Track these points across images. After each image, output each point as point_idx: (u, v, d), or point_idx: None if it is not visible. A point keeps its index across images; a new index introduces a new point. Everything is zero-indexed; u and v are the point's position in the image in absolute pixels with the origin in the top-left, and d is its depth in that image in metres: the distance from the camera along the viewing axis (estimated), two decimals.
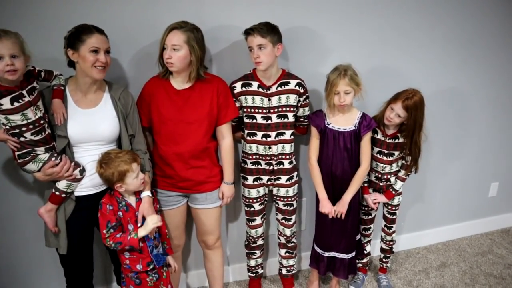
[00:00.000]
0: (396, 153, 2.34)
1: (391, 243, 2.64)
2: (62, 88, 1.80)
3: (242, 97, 2.15)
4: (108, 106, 1.89)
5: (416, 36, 2.58)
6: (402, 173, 2.39)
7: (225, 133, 2.14)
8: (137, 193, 1.93)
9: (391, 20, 2.49)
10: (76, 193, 1.87)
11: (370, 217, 2.55)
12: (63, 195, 1.83)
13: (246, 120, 2.20)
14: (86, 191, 1.88)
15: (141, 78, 2.08)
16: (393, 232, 2.60)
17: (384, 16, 2.47)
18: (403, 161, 2.39)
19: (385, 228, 2.61)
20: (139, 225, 1.88)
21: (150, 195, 1.96)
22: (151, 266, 1.92)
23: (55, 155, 1.77)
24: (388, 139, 2.32)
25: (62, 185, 1.81)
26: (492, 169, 3.18)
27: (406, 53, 2.60)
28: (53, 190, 1.82)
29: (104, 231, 1.83)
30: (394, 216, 2.55)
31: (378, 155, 2.36)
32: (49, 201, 1.83)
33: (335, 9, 2.37)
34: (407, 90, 2.18)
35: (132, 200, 1.91)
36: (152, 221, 1.86)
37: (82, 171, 1.83)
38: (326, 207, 2.26)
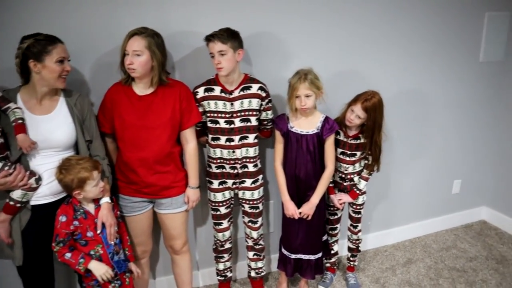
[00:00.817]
0: (358, 153, 2.40)
1: (357, 242, 2.70)
2: (21, 122, 1.74)
3: (205, 102, 2.17)
4: (63, 112, 1.88)
5: (378, 40, 2.66)
6: (365, 173, 2.45)
7: (189, 137, 2.15)
8: (96, 200, 1.92)
9: (352, 24, 2.56)
10: (33, 202, 1.84)
11: (336, 217, 2.60)
12: (18, 205, 1.79)
13: (209, 124, 2.22)
14: (43, 200, 1.85)
15: (103, 85, 2.08)
16: (359, 231, 2.66)
17: (346, 21, 2.54)
18: (366, 161, 2.45)
19: (351, 227, 2.67)
20: (98, 231, 1.87)
21: (110, 201, 1.96)
22: (112, 273, 1.91)
23: (9, 164, 1.74)
24: (350, 140, 2.37)
25: (16, 194, 1.77)
26: (455, 167, 3.28)
27: (369, 57, 2.67)
28: (7, 200, 1.79)
29: (53, 244, 1.82)
30: (359, 215, 2.61)
31: (341, 156, 2.41)
32: (3, 211, 1.79)
33: (298, 14, 2.43)
34: (366, 92, 2.25)
35: (90, 207, 1.90)
36: (98, 272, 1.86)
37: (38, 179, 1.81)
38: (289, 209, 2.30)
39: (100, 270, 1.86)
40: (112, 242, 1.92)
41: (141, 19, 2.06)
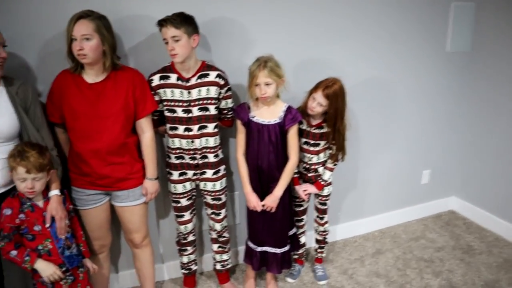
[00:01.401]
0: (322, 143, 2.36)
1: (324, 233, 2.67)
2: None
3: (161, 90, 2.10)
4: (3, 102, 1.78)
5: (342, 27, 2.61)
6: (329, 163, 2.41)
7: (144, 127, 2.08)
8: (44, 192, 1.83)
9: (316, 11, 2.51)
10: None
11: (302, 208, 2.56)
12: None
13: (167, 114, 2.14)
14: None
15: (51, 73, 1.97)
16: (326, 222, 2.63)
17: (309, 8, 2.48)
18: (330, 151, 2.40)
19: (318, 219, 2.64)
20: (47, 225, 1.79)
21: (59, 193, 1.87)
22: (64, 268, 1.83)
23: None
24: (313, 129, 2.33)
25: None
26: (424, 157, 3.28)
27: (333, 45, 2.63)
28: None
29: None
30: (325, 207, 2.57)
31: (304, 146, 2.36)
32: None
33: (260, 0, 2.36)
34: (327, 79, 2.20)
35: (38, 199, 1.82)
36: (45, 273, 1.78)
37: None
38: (251, 201, 2.25)
39: (47, 271, 1.78)
40: (63, 237, 1.84)
41: (89, 2, 1.96)
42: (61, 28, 1.91)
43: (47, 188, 1.86)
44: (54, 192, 1.86)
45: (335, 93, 2.16)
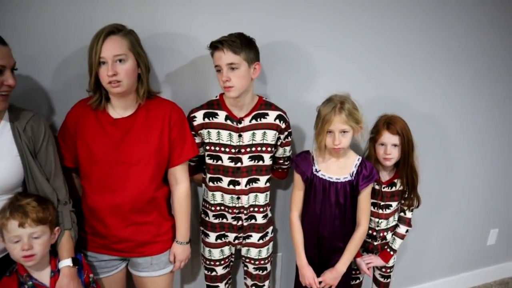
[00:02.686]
0: (394, 204, 1.88)
1: None
2: None
3: (205, 131, 1.63)
4: (5, 140, 1.32)
5: (418, 64, 2.14)
6: (401, 229, 1.94)
7: (179, 177, 1.61)
8: (53, 263, 1.37)
9: (389, 44, 2.04)
10: None
11: (358, 281, 2.07)
12: None
13: (208, 161, 1.67)
14: None
15: (71, 101, 1.53)
16: None
17: (382, 40, 2.02)
18: (401, 213, 1.93)
19: None
20: None
21: (71, 264, 1.40)
22: None
23: None
24: (384, 188, 1.85)
25: None
26: (492, 215, 2.78)
27: (407, 77, 2.15)
28: None
29: None
30: (388, 280, 2.08)
31: (372, 208, 1.88)
32: None
33: (326, 25, 1.89)
34: (380, 119, 1.82)
35: (43, 275, 1.35)
36: None
37: None
38: (306, 277, 1.76)
39: None
40: None
41: (119, 15, 1.53)
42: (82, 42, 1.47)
43: (53, 254, 1.40)
44: (65, 263, 1.39)
45: (403, 126, 1.76)
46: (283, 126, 1.66)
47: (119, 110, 1.50)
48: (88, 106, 1.49)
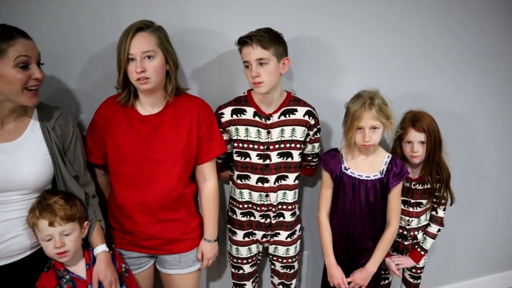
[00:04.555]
0: (425, 202, 1.83)
1: None
2: None
3: (232, 128, 1.61)
4: (34, 139, 1.32)
5: (449, 54, 2.07)
6: (433, 228, 1.88)
7: (207, 174, 1.59)
8: (86, 256, 1.40)
9: (420, 40, 1.98)
10: None
11: (387, 281, 2.02)
12: None
13: (236, 158, 1.65)
14: None
15: (99, 99, 1.53)
16: None
17: (413, 35, 1.96)
18: (433, 212, 1.88)
19: None
20: None
21: (107, 249, 1.43)
22: None
23: None
24: (414, 185, 1.80)
25: None
26: None
27: (438, 76, 2.08)
28: None
29: None
30: (419, 281, 2.03)
31: (403, 206, 1.83)
32: None
33: (355, 18, 1.85)
34: (406, 116, 1.78)
35: (79, 268, 1.38)
36: None
37: None
38: (335, 276, 1.72)
39: None
40: None
41: (146, 11, 1.52)
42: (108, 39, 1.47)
43: (86, 247, 1.43)
44: (100, 249, 1.42)
45: (429, 123, 1.70)
46: (312, 122, 1.63)
47: (147, 107, 1.49)
48: (117, 103, 1.49)
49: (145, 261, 1.62)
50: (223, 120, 1.61)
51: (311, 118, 1.62)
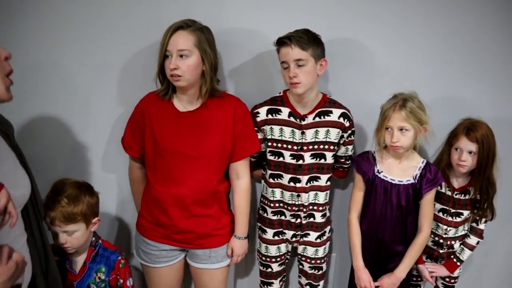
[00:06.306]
0: (466, 212, 1.78)
1: None
2: None
3: (267, 127, 1.63)
4: None
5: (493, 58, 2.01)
6: (472, 240, 1.83)
7: (240, 172, 1.62)
8: (89, 253, 1.53)
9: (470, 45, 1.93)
10: None
11: None
12: None
13: (269, 157, 1.67)
14: None
15: (134, 95, 1.59)
16: None
17: (454, 33, 1.91)
18: (473, 224, 1.83)
19: None
20: None
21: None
22: None
23: None
24: (456, 194, 1.76)
25: None
26: None
27: (476, 79, 2.03)
28: None
29: None
30: None
31: (440, 214, 1.79)
32: None
33: (392, 20, 1.82)
34: (463, 121, 1.71)
35: (77, 263, 1.52)
36: None
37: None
38: (362, 279, 1.71)
39: None
40: None
41: (184, 10, 1.57)
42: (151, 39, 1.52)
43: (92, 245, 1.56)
44: None
45: (484, 135, 1.62)
46: (347, 124, 1.62)
47: (184, 103, 1.53)
48: (156, 98, 1.54)
49: (176, 254, 1.66)
50: (258, 119, 1.63)
51: (346, 120, 1.62)
